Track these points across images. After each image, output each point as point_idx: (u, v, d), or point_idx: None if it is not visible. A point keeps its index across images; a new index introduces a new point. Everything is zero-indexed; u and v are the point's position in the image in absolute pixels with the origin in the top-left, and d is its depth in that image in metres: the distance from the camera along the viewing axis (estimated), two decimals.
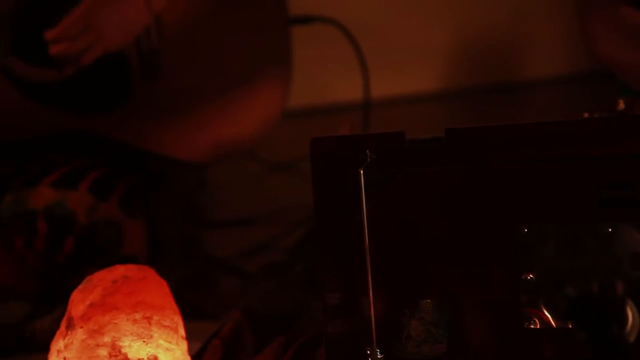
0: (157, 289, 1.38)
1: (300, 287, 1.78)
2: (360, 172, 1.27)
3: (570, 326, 1.22)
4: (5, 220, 1.72)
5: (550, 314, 1.24)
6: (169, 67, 1.89)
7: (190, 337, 1.40)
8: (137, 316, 1.33)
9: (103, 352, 1.30)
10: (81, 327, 1.32)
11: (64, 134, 1.81)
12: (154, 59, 1.88)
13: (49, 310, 1.65)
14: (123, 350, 1.31)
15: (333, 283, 1.29)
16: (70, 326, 1.33)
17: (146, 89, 1.88)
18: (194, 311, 1.64)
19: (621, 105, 1.40)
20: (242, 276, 1.95)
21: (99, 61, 1.79)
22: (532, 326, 1.24)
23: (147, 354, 1.32)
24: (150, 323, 1.34)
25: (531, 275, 1.24)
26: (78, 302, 1.35)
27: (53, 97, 1.80)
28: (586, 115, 1.35)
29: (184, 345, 1.38)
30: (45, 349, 1.37)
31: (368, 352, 1.27)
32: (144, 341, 1.32)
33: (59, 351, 1.34)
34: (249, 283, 1.87)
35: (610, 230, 1.21)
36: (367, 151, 1.28)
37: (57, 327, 1.36)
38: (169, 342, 1.34)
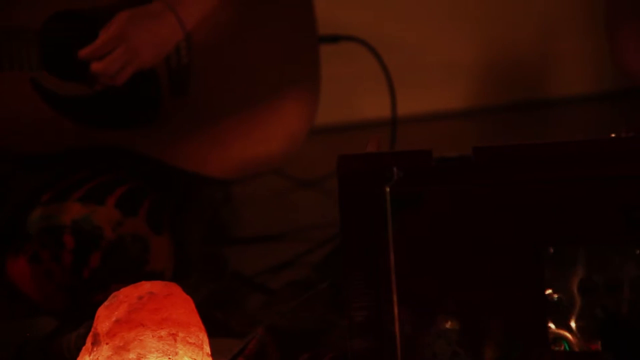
0: (183, 305, 1.38)
1: (325, 304, 1.78)
2: (386, 190, 1.27)
3: (598, 348, 1.21)
4: (32, 234, 1.73)
5: (578, 335, 1.23)
6: (198, 84, 1.90)
7: (215, 354, 1.40)
8: (163, 333, 1.33)
9: None
10: (107, 344, 1.32)
11: (92, 148, 1.82)
12: (183, 75, 1.89)
13: (75, 325, 1.66)
14: None
15: (359, 300, 1.28)
16: (96, 342, 1.34)
17: (175, 105, 1.88)
18: (219, 328, 1.64)
19: None
20: (267, 293, 1.95)
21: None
22: (559, 348, 1.23)
23: None
24: (175, 340, 1.34)
25: (559, 296, 1.23)
26: (104, 318, 1.35)
27: (82, 111, 1.81)
28: (614, 134, 1.34)
29: None
30: None
31: None
32: (169, 358, 1.32)
33: None
34: (274, 300, 1.87)
35: (639, 252, 1.20)
36: (394, 169, 1.27)
37: (83, 343, 1.36)
38: (194, 359, 1.34)
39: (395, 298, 1.26)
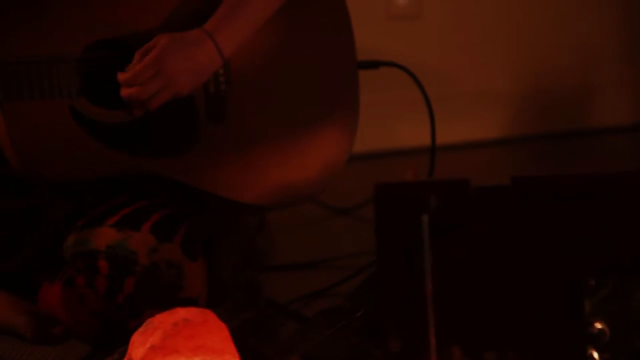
0: (218, 332, 1.37)
1: (360, 333, 1.77)
2: (424, 218, 1.26)
3: None
4: (68, 260, 1.73)
5: None
6: (236, 110, 1.90)
7: None
8: None
9: None
10: None
11: (128, 175, 1.82)
12: (221, 102, 1.89)
13: (109, 351, 1.65)
14: None
15: (395, 330, 1.28)
16: None
17: (212, 132, 1.88)
18: (253, 356, 1.63)
19: None
20: (301, 321, 1.94)
21: (167, 103, 1.80)
22: None
23: None
24: None
25: (599, 327, 1.22)
26: (138, 345, 1.35)
27: (120, 138, 1.81)
28: None
29: None
30: None
31: None
32: None
33: None
34: (308, 328, 1.86)
35: None
36: (432, 198, 1.26)
37: None
38: None
39: (432, 328, 1.25)
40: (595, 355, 1.22)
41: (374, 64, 2.10)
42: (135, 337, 1.36)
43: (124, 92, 1.77)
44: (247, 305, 1.93)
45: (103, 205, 1.78)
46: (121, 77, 1.78)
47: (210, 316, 1.42)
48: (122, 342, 1.55)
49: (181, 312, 1.41)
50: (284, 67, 1.94)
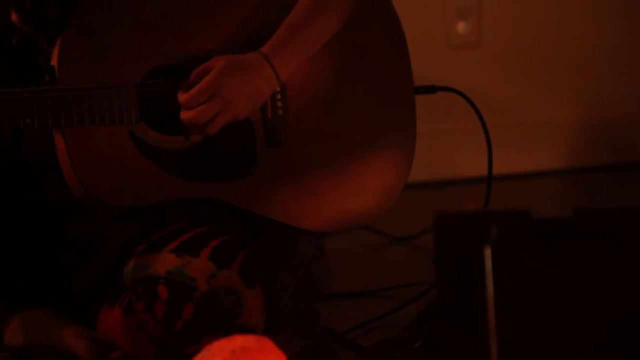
0: None
1: None
2: (485, 249, 1.25)
3: None
4: (127, 285, 1.74)
5: None
6: (293, 135, 1.90)
7: None
8: None
9: None
10: None
11: (187, 200, 1.82)
12: (279, 126, 1.89)
13: None
14: None
15: None
16: None
17: (270, 156, 1.89)
18: None
19: None
20: (358, 350, 1.93)
21: (224, 128, 1.81)
22: None
23: None
24: None
25: None
26: None
27: (179, 164, 1.82)
28: None
29: None
30: None
31: None
32: None
33: None
34: (366, 358, 1.85)
35: None
36: (493, 228, 1.25)
37: None
38: None
39: None
40: None
41: (431, 89, 2.09)
42: None
43: (182, 116, 1.78)
44: (305, 334, 1.93)
45: (162, 230, 1.79)
46: (181, 97, 1.79)
47: (267, 344, 1.42)
48: None
49: (239, 339, 1.41)
50: (341, 91, 1.94)
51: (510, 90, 3.23)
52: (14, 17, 1.81)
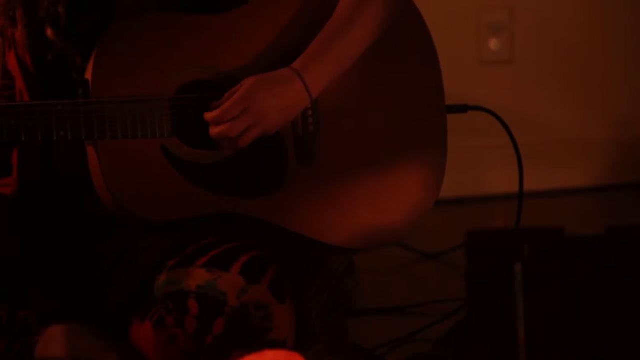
0: None
1: None
2: (517, 266, 1.24)
3: None
4: (158, 299, 1.74)
5: None
6: (324, 151, 1.90)
7: None
8: None
9: None
10: None
11: (218, 215, 1.83)
12: (310, 142, 1.89)
13: None
14: None
15: None
16: None
17: (300, 172, 1.89)
18: None
19: None
20: None
21: (255, 143, 1.81)
22: None
23: None
24: None
25: None
26: None
27: (210, 179, 1.82)
28: None
29: None
30: None
31: None
32: None
33: None
34: None
35: None
36: (525, 246, 1.25)
37: None
38: None
39: None
40: None
41: (462, 109, 2.09)
42: None
43: (213, 130, 1.79)
44: (334, 349, 1.93)
45: (193, 245, 1.79)
46: (208, 115, 1.80)
47: (298, 359, 1.41)
48: None
49: (269, 354, 1.41)
50: (372, 108, 1.94)
51: (541, 107, 3.23)
52: (49, 32, 1.83)
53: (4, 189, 1.92)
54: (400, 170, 1.94)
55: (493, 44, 3.21)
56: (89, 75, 1.78)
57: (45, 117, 1.74)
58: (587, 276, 1.24)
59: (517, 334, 1.23)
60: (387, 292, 2.46)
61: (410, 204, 1.94)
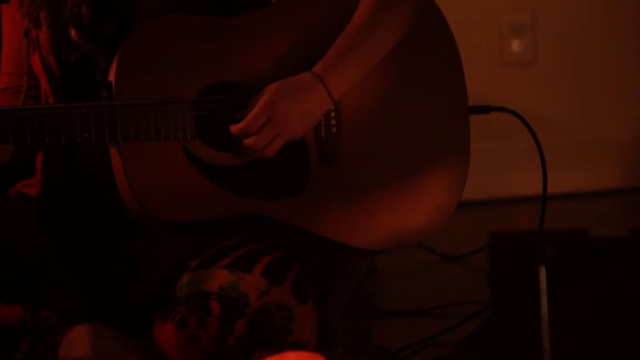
0: None
1: None
2: (541, 268, 1.24)
3: None
4: (181, 300, 1.75)
5: None
6: (345, 153, 1.90)
7: None
8: None
9: None
10: None
11: (240, 216, 1.83)
12: (332, 144, 1.89)
13: None
14: None
15: None
16: None
17: (322, 174, 1.89)
18: None
19: None
20: None
21: None
22: None
23: None
24: None
25: None
26: None
27: (233, 180, 1.83)
28: None
29: None
30: None
31: None
32: None
33: None
34: None
35: None
36: (549, 248, 1.24)
37: None
38: None
39: None
40: None
41: (485, 109, 2.08)
42: None
43: (245, 142, 1.79)
44: (357, 351, 1.92)
45: (215, 246, 1.79)
46: (234, 129, 1.81)
47: None
48: None
49: (291, 356, 1.41)
50: (394, 109, 1.94)
51: (564, 108, 3.22)
52: (72, 33, 1.83)
53: (28, 189, 1.93)
54: (422, 172, 1.94)
55: (515, 45, 3.20)
56: (112, 77, 1.79)
57: (69, 120, 1.75)
58: (611, 279, 1.24)
59: (541, 337, 1.23)
60: (409, 294, 2.46)
61: (433, 206, 1.94)
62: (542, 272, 1.24)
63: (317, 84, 1.82)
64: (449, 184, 1.96)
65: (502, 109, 2.11)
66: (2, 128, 1.74)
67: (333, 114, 1.89)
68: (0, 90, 1.97)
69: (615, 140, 3.24)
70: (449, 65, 1.98)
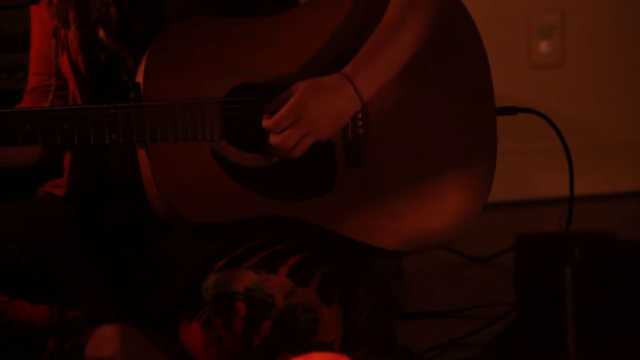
0: None
1: None
2: (567, 271, 1.23)
3: None
4: (207, 300, 1.75)
5: None
6: (372, 154, 1.90)
7: None
8: None
9: None
10: None
11: (266, 217, 1.83)
12: (359, 145, 1.89)
13: None
14: None
15: None
16: None
17: (349, 175, 1.89)
18: None
19: None
20: None
21: None
22: None
23: None
24: None
25: None
26: None
27: (259, 182, 1.83)
28: None
29: None
30: None
31: None
32: None
33: None
34: None
35: None
36: (576, 250, 1.24)
37: None
38: None
39: None
40: None
41: (512, 110, 2.08)
42: None
43: (272, 140, 1.79)
44: (382, 353, 1.92)
45: (242, 247, 1.80)
46: (265, 123, 1.81)
47: None
48: None
49: (316, 357, 1.41)
50: (421, 110, 1.93)
51: (592, 111, 3.20)
52: (101, 33, 1.84)
53: (56, 189, 1.94)
54: (449, 175, 1.93)
55: (543, 46, 3.19)
56: (140, 77, 1.79)
57: (98, 121, 1.76)
58: (638, 281, 1.23)
59: (567, 339, 1.23)
60: (435, 296, 2.45)
61: (458, 209, 1.94)
62: (569, 274, 1.23)
63: (347, 85, 1.82)
64: (475, 187, 1.95)
65: (529, 110, 2.10)
66: (31, 129, 1.75)
67: (360, 115, 1.89)
68: (29, 90, 1.99)
69: None
70: (476, 66, 1.98)
